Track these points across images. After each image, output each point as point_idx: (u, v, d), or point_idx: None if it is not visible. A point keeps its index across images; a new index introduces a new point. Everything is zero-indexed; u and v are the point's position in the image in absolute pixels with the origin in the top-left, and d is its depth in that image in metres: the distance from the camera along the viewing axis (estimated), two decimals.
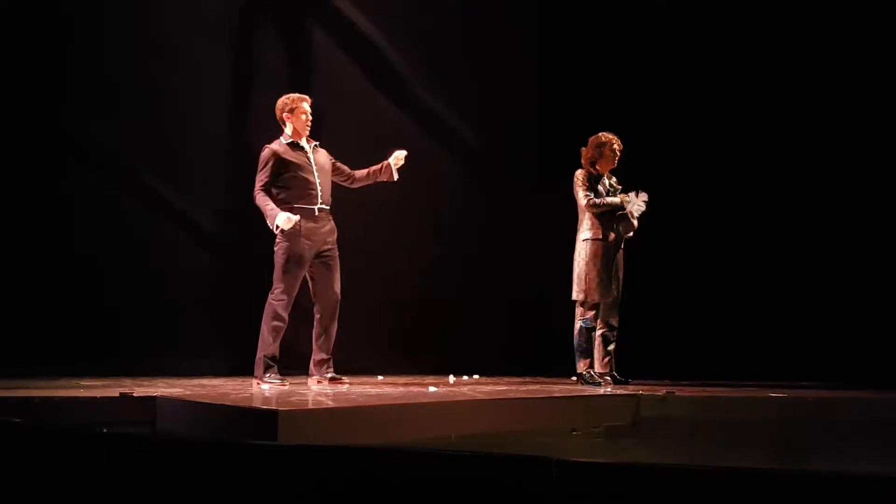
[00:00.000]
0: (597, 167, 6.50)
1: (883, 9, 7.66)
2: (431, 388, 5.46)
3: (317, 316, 5.93)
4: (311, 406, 4.27)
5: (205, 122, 7.36)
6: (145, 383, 5.44)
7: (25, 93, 6.64)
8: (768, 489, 2.61)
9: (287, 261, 5.71)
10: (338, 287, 5.90)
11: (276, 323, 5.75)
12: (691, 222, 7.89)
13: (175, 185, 7.27)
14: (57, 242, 6.73)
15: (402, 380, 6.32)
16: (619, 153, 6.50)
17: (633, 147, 6.66)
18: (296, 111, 5.85)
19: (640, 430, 5.02)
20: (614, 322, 6.48)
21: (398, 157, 6.04)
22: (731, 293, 7.82)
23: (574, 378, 6.47)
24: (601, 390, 5.92)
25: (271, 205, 5.70)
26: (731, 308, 7.76)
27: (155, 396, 4.53)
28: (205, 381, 5.84)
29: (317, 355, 5.92)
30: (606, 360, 6.45)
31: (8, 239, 6.49)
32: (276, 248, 5.79)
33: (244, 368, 6.65)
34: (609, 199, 6.36)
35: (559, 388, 5.88)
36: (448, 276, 8.23)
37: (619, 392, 5.69)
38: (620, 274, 6.50)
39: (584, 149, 6.55)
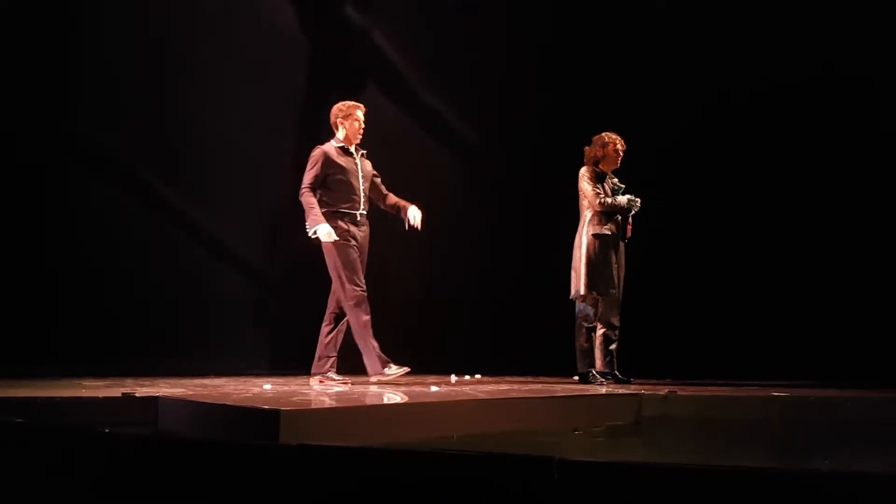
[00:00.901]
0: (600, 166, 6.51)
1: (872, 7, 7.66)
2: (433, 388, 5.46)
3: (333, 314, 5.98)
4: (312, 406, 4.27)
5: (205, 122, 7.36)
6: (147, 383, 5.44)
7: (26, 93, 6.64)
8: (769, 488, 2.61)
9: (345, 264, 5.83)
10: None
11: (365, 318, 5.86)
12: (693, 222, 7.90)
13: (175, 184, 7.28)
14: (58, 243, 6.74)
15: (404, 379, 6.31)
16: (622, 153, 6.52)
17: (634, 147, 6.66)
18: (350, 118, 5.99)
19: (642, 430, 5.02)
20: (615, 321, 6.49)
21: (416, 219, 6.17)
22: (732, 293, 7.83)
23: (576, 378, 6.48)
24: (603, 390, 5.92)
25: (317, 210, 5.82)
26: (733, 308, 7.77)
27: (157, 397, 4.52)
28: (206, 382, 5.84)
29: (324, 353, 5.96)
30: (608, 359, 6.45)
31: (9, 239, 6.50)
32: (326, 257, 5.88)
33: (245, 368, 6.66)
34: (619, 199, 6.38)
35: (561, 388, 5.88)
36: (448, 276, 8.24)
37: (620, 391, 5.69)
38: (622, 273, 6.51)
39: (587, 148, 6.56)
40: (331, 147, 5.97)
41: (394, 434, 4.01)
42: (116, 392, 4.76)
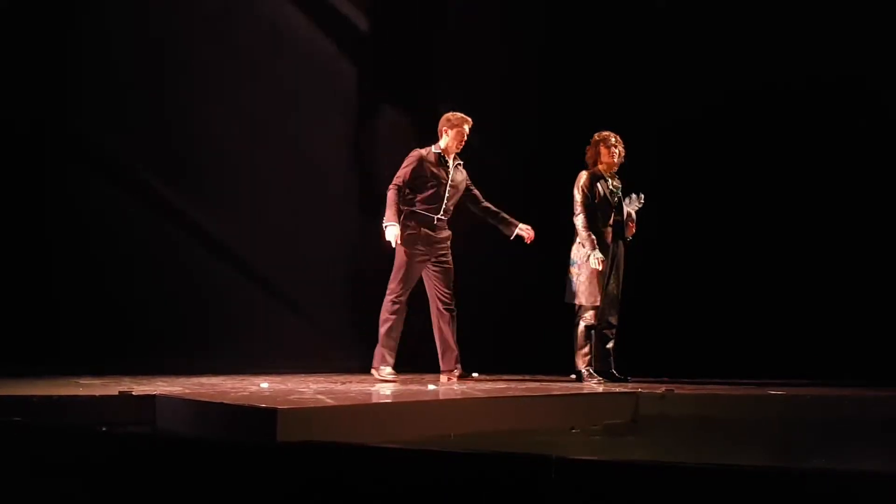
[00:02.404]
0: (598, 166, 6.50)
1: (872, 7, 7.66)
2: (431, 387, 5.47)
3: (432, 313, 6.31)
4: (309, 405, 4.27)
5: (205, 121, 7.36)
6: (144, 382, 5.44)
7: (26, 93, 6.63)
8: (767, 487, 2.61)
9: (400, 266, 6.14)
10: (450, 287, 6.31)
11: (386, 315, 6.16)
12: (690, 221, 7.89)
13: (176, 184, 7.28)
14: (57, 242, 6.73)
15: (402, 378, 6.31)
16: (616, 151, 6.47)
17: (634, 147, 6.66)
18: (455, 129, 6.22)
19: (640, 429, 5.01)
20: (613, 320, 6.49)
21: (529, 234, 6.40)
22: (730, 291, 7.82)
23: (573, 376, 6.48)
24: (600, 388, 5.92)
25: (395, 209, 6.07)
26: (731, 306, 7.76)
27: (154, 395, 4.52)
28: (204, 380, 5.84)
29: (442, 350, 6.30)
30: (605, 358, 6.46)
31: (8, 238, 6.49)
32: (396, 253, 6.17)
33: (244, 367, 6.66)
34: (590, 241, 6.28)
35: (558, 387, 5.87)
36: None
37: (618, 390, 5.69)
38: (621, 272, 6.51)
39: (588, 147, 6.57)
40: (429, 151, 6.22)
41: (391, 432, 4.01)
42: (114, 390, 4.76)
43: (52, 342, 6.41)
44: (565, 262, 6.49)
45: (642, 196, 6.49)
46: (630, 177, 6.62)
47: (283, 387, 5.34)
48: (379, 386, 5.65)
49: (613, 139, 6.49)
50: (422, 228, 6.14)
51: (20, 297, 6.45)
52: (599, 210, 6.41)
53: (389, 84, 8.32)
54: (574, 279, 6.39)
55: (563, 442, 4.40)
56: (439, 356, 6.29)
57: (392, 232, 6.02)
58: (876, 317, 7.41)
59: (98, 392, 4.78)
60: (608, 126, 6.62)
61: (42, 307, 6.54)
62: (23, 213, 6.59)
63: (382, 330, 6.18)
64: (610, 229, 6.45)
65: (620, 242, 6.52)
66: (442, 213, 6.19)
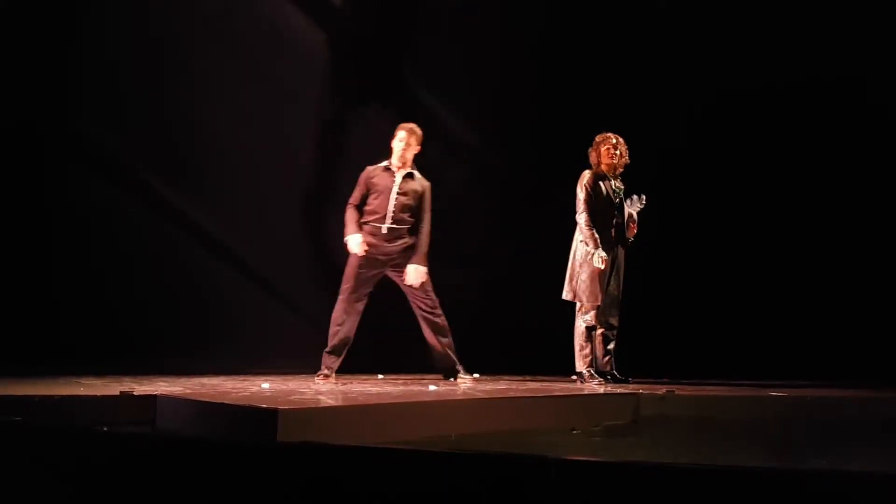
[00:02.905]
0: (600, 168, 6.51)
1: (871, 8, 7.66)
2: (431, 387, 5.47)
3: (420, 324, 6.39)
4: (310, 405, 4.27)
5: (205, 121, 7.36)
6: (145, 382, 5.44)
7: (26, 93, 6.63)
8: (767, 488, 2.61)
9: (349, 270, 6.21)
10: (428, 294, 6.30)
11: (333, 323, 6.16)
12: (691, 222, 7.90)
13: (176, 184, 7.28)
14: (57, 241, 6.73)
15: (402, 378, 6.31)
16: (616, 151, 6.47)
17: (633, 147, 6.66)
18: (394, 140, 6.31)
19: (640, 429, 5.02)
20: (614, 321, 6.49)
21: (408, 279, 6.26)
22: (730, 292, 7.83)
23: (574, 377, 6.48)
24: (601, 389, 5.92)
25: (352, 226, 6.18)
26: (731, 307, 7.77)
27: (155, 395, 4.52)
28: (205, 380, 5.84)
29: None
30: (606, 359, 6.46)
31: (8, 238, 6.49)
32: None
33: (244, 367, 6.65)
34: (593, 239, 6.30)
35: (559, 388, 5.88)
36: (448, 276, 8.22)
37: (618, 391, 5.69)
38: (621, 274, 6.51)
39: (590, 149, 6.57)
40: (373, 167, 6.31)
41: (391, 433, 4.01)
42: (115, 390, 4.76)
43: (53, 342, 6.40)
44: (565, 259, 6.49)
45: (644, 197, 6.49)
46: (630, 178, 6.62)
47: (284, 387, 5.34)
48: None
49: (614, 140, 6.49)
50: (370, 237, 6.16)
51: (21, 296, 6.45)
52: (601, 210, 6.41)
53: (390, 84, 8.32)
54: (575, 278, 6.39)
55: (563, 443, 4.40)
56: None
57: (354, 241, 6.14)
58: (876, 318, 7.41)
59: (99, 392, 4.78)
60: (609, 126, 6.62)
61: (43, 307, 6.54)
62: (23, 213, 6.59)
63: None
64: (612, 230, 6.44)
65: (620, 244, 6.52)
66: (390, 222, 6.17)
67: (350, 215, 6.23)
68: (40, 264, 6.62)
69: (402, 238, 6.20)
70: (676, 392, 5.50)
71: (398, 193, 6.19)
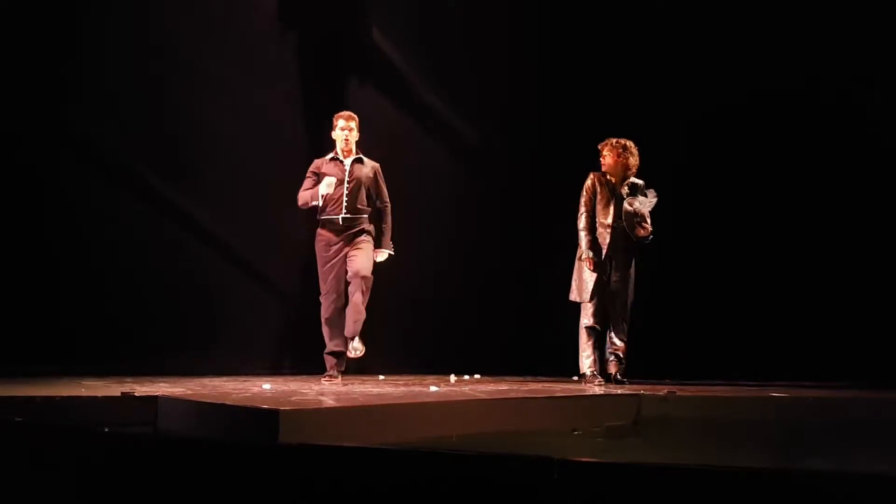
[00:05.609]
0: (605, 169, 6.51)
1: (873, 8, 7.66)
2: (433, 388, 5.46)
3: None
4: (311, 406, 4.27)
5: (206, 121, 7.36)
6: (147, 383, 5.44)
7: (26, 93, 6.63)
8: (769, 489, 2.61)
9: (320, 269, 6.17)
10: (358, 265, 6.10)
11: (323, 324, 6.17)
12: (694, 223, 7.90)
13: (176, 184, 7.28)
14: (57, 242, 6.73)
15: (403, 379, 6.31)
16: (621, 157, 6.44)
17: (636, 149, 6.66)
18: (334, 129, 6.29)
19: (642, 430, 5.01)
20: (620, 324, 6.48)
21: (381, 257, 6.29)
22: (732, 293, 7.83)
23: (576, 378, 6.48)
24: (602, 390, 5.92)
25: (311, 191, 6.18)
26: (733, 308, 7.77)
27: (156, 396, 4.52)
28: (206, 381, 5.84)
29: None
30: (611, 360, 6.45)
31: (9, 238, 6.49)
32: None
33: (244, 368, 6.66)
34: (585, 240, 6.34)
35: (560, 388, 5.87)
36: (448, 276, 8.24)
37: (620, 392, 5.69)
38: (628, 276, 6.50)
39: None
40: (321, 159, 6.30)
41: (393, 434, 4.01)
42: (116, 391, 4.77)
43: (54, 343, 6.41)
44: (571, 261, 6.50)
45: (654, 192, 6.44)
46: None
47: (285, 388, 5.34)
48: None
49: (620, 144, 6.48)
50: (328, 233, 6.17)
51: (22, 297, 6.45)
52: (601, 212, 6.41)
53: (390, 85, 8.32)
54: (574, 277, 6.41)
55: (565, 443, 4.40)
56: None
57: (324, 183, 6.10)
58: (878, 319, 7.41)
59: (100, 393, 4.78)
60: (608, 126, 6.62)
61: (44, 308, 6.54)
62: (23, 213, 6.59)
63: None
64: (609, 231, 6.41)
65: (622, 246, 6.47)
66: (346, 211, 6.15)
67: (304, 192, 6.25)
68: (41, 265, 6.62)
69: (359, 225, 6.20)
70: (678, 393, 5.50)
71: (349, 181, 6.18)
